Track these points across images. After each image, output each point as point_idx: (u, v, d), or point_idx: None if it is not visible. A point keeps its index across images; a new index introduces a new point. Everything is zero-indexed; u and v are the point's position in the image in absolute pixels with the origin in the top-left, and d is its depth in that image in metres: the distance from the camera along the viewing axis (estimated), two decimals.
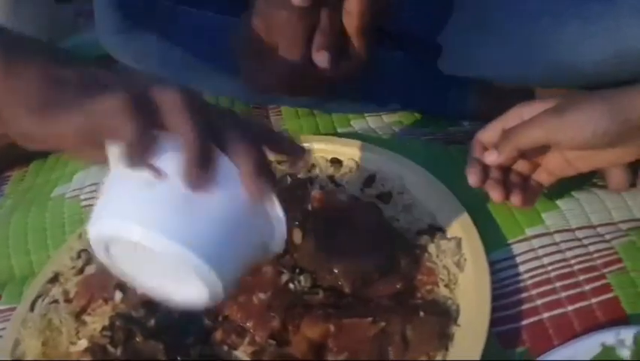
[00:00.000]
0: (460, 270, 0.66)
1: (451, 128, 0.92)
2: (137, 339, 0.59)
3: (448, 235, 0.70)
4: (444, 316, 0.61)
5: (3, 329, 0.72)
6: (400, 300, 0.64)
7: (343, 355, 0.58)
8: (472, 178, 0.68)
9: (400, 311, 0.62)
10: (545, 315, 0.64)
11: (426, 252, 0.68)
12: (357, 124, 0.94)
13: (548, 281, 0.66)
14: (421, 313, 0.61)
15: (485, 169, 0.68)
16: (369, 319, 0.60)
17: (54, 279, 0.75)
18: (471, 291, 0.63)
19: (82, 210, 0.86)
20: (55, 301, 0.71)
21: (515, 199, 0.68)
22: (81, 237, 0.80)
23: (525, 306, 0.65)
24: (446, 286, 0.65)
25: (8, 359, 0.67)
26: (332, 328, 0.60)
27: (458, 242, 0.68)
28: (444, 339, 0.60)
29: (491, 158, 0.67)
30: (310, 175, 0.82)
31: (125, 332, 0.60)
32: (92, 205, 0.84)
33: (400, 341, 0.59)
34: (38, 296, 0.73)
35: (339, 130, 0.93)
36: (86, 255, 0.77)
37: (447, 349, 0.60)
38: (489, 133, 0.69)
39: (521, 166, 0.70)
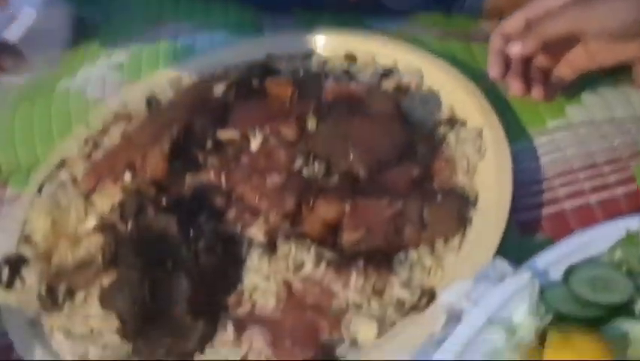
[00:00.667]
0: (480, 158, 0.64)
1: (471, 28, 0.89)
2: (149, 214, 0.58)
3: (469, 126, 0.68)
4: (462, 200, 0.60)
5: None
6: (418, 186, 0.62)
7: (358, 233, 0.57)
8: (494, 70, 0.65)
9: (417, 195, 0.60)
10: (567, 205, 0.62)
11: (445, 141, 0.66)
12: (371, 23, 0.91)
13: (571, 172, 0.64)
14: (439, 198, 0.59)
15: (507, 62, 0.66)
16: (386, 199, 0.58)
17: (61, 165, 0.73)
18: (491, 178, 0.62)
19: (87, 104, 0.84)
20: (63, 185, 0.70)
21: (536, 92, 0.66)
22: (88, 126, 0.78)
23: (546, 196, 0.63)
24: (465, 174, 0.63)
25: (16, 238, 0.66)
26: (347, 207, 0.58)
27: (479, 131, 0.66)
28: (462, 222, 0.58)
29: (515, 49, 0.64)
30: (324, 69, 0.79)
31: (135, 207, 0.59)
32: (98, 98, 0.83)
33: (417, 221, 0.58)
34: (45, 181, 0.72)
35: (352, 28, 0.89)
36: (93, 142, 0.75)
37: (465, 232, 0.58)
38: (512, 23, 0.66)
39: (542, 60, 0.67)
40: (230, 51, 0.83)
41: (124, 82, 0.84)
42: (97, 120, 0.78)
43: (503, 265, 0.53)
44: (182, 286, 0.53)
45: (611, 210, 0.61)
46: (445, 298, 0.52)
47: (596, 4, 0.59)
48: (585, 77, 0.69)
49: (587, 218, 0.61)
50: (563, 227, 0.61)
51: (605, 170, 0.64)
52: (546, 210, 0.62)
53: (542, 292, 0.50)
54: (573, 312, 0.48)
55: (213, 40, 0.89)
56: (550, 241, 0.59)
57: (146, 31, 0.93)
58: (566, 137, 0.67)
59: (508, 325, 0.48)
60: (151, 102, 0.79)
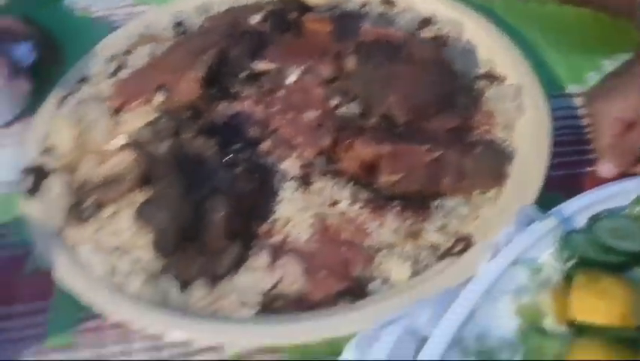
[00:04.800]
0: (518, 115, 0.67)
1: None
2: (186, 135, 0.60)
3: (507, 82, 0.71)
4: (501, 154, 0.63)
5: None
6: (456, 137, 0.65)
7: (396, 176, 0.60)
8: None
9: (456, 145, 0.63)
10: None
11: (484, 95, 0.69)
12: None
13: None
14: (478, 149, 0.62)
15: None
16: (426, 146, 0.61)
17: (84, 80, 0.75)
18: (530, 136, 0.65)
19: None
20: (86, 101, 0.71)
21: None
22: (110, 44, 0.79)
23: (577, 157, 0.67)
24: (503, 129, 0.66)
25: (38, 150, 0.68)
26: (386, 149, 0.61)
27: (518, 88, 0.69)
28: (500, 176, 0.61)
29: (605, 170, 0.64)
30: (361, 11, 0.81)
31: (173, 127, 0.61)
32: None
33: (455, 171, 0.61)
34: (67, 95, 0.73)
35: None
36: (118, 60, 0.76)
37: (501, 185, 0.61)
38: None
39: None
40: None
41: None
42: (119, 40, 0.80)
43: (531, 210, 0.57)
44: (220, 209, 0.56)
45: None
46: (484, 244, 0.55)
47: None
48: None
49: None
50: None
51: None
52: (573, 171, 0.66)
53: (567, 237, 0.53)
54: (596, 257, 0.51)
55: None
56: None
57: None
58: None
59: (533, 265, 0.52)
60: (179, 26, 0.80)
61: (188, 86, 0.67)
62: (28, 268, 0.61)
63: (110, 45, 0.79)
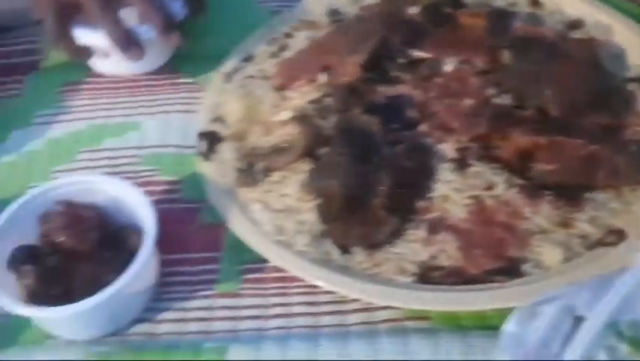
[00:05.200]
0: None
1: None
2: (353, 111, 0.64)
3: None
4: None
5: None
6: (608, 134, 0.66)
7: (552, 166, 0.62)
8: None
9: (609, 141, 0.64)
10: None
11: (636, 97, 0.70)
12: None
13: None
14: (633, 148, 0.64)
15: None
16: (582, 141, 0.63)
17: (249, 59, 0.80)
18: None
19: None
20: (252, 77, 0.77)
21: None
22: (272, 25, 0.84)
23: None
24: None
25: (209, 119, 0.73)
26: (543, 140, 0.63)
27: None
28: None
29: None
30: (511, 9, 0.83)
31: (341, 104, 0.65)
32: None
33: (609, 166, 0.62)
34: (233, 72, 0.78)
35: None
36: (280, 43, 0.81)
37: None
38: None
39: None
40: None
41: None
42: (280, 24, 0.84)
43: None
44: (384, 182, 0.60)
45: None
46: (636, 238, 0.57)
47: None
48: None
49: None
50: None
51: None
52: None
53: None
54: None
55: None
56: None
57: None
58: None
59: None
60: (335, 14, 0.84)
61: (351, 69, 0.71)
62: (201, 221, 0.66)
63: (271, 28, 0.84)
